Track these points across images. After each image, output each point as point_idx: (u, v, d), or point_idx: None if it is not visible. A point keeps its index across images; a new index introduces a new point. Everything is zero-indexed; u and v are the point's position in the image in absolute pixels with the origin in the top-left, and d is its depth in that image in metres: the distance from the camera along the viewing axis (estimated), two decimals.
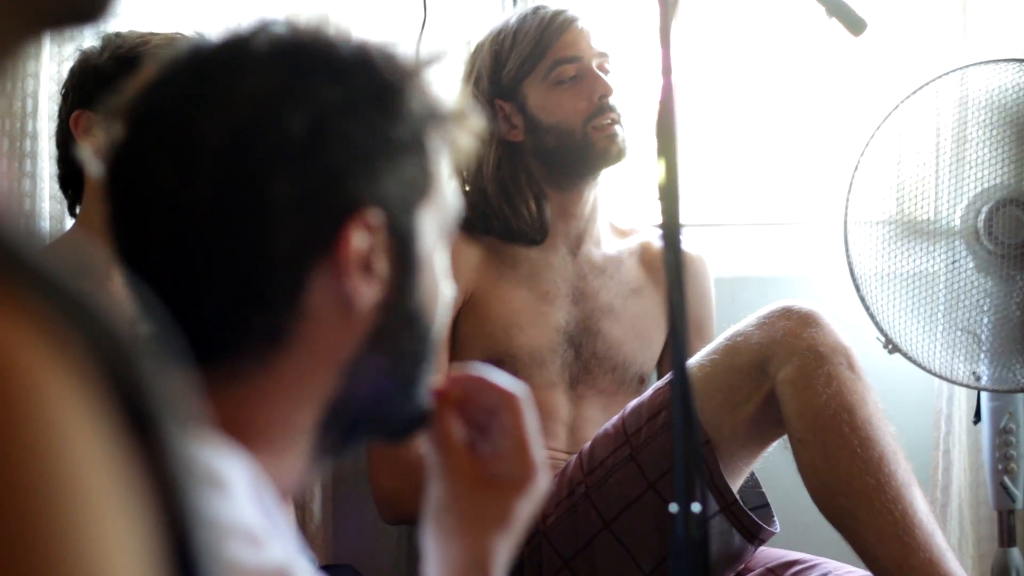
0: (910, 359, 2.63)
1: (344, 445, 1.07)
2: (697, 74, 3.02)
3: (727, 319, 2.47)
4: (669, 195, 1.37)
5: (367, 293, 1.01)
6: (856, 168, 2.62)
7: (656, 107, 1.40)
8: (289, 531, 1.00)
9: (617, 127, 2.48)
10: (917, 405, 2.39)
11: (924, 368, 2.64)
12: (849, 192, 2.62)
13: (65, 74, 2.33)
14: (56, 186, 2.38)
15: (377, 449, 2.43)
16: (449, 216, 1.09)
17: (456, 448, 1.14)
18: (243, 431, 0.99)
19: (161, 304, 1.00)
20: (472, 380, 1.15)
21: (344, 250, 0.99)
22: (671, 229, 1.37)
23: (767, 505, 2.33)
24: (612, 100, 2.48)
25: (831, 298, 2.94)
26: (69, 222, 2.41)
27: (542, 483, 1.14)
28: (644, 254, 2.64)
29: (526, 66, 2.50)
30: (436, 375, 1.12)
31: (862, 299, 2.63)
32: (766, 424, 2.25)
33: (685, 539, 1.32)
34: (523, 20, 2.51)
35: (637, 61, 2.72)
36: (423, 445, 1.15)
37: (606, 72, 2.50)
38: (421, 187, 1.04)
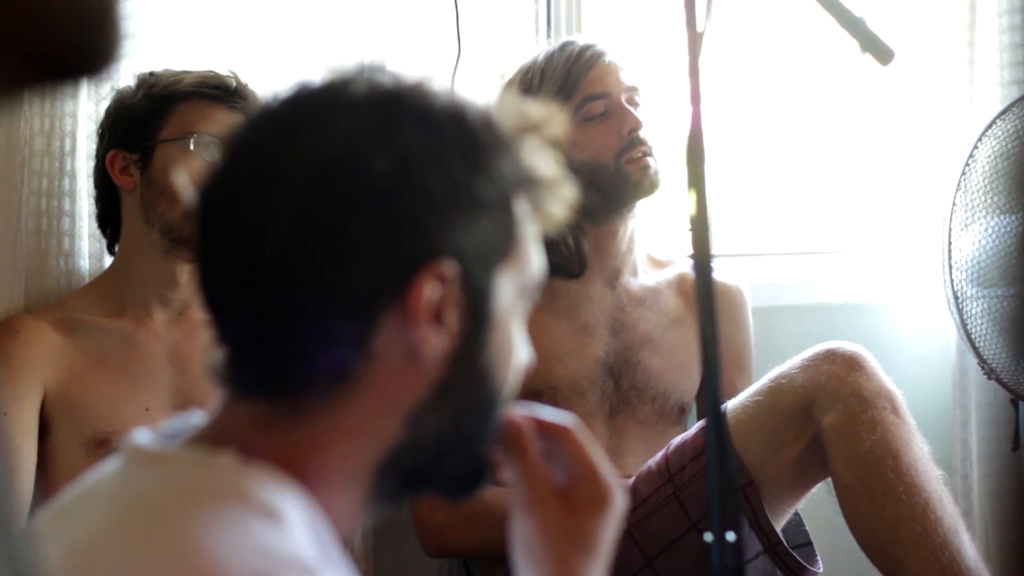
0: (1004, 385, 2.63)
1: (401, 494, 1.08)
2: (731, 103, 3.02)
3: (765, 349, 2.46)
4: (699, 225, 1.37)
5: (436, 344, 1.02)
6: (957, 189, 2.62)
7: (686, 137, 1.41)
8: (346, 567, 1.00)
9: (650, 159, 2.47)
10: (934, 430, 2.38)
11: (1016, 395, 2.65)
12: (951, 217, 2.61)
13: (102, 113, 2.35)
14: (95, 224, 2.40)
15: None
16: (531, 281, 1.10)
17: (541, 478, 1.16)
18: (303, 468, 1.00)
19: (234, 334, 1.02)
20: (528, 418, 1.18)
21: (415, 298, 1.00)
22: (702, 259, 1.37)
23: (810, 543, 2.31)
24: (643, 133, 2.47)
25: (867, 326, 2.93)
26: (108, 260, 2.42)
27: (619, 503, 1.17)
28: (682, 285, 2.63)
29: (554, 104, 2.49)
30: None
31: (963, 325, 2.62)
32: (811, 467, 2.23)
33: (721, 569, 1.31)
34: (551, 57, 2.50)
35: (668, 90, 2.72)
36: (507, 478, 1.17)
37: (636, 105, 2.49)
38: (503, 248, 1.06)
